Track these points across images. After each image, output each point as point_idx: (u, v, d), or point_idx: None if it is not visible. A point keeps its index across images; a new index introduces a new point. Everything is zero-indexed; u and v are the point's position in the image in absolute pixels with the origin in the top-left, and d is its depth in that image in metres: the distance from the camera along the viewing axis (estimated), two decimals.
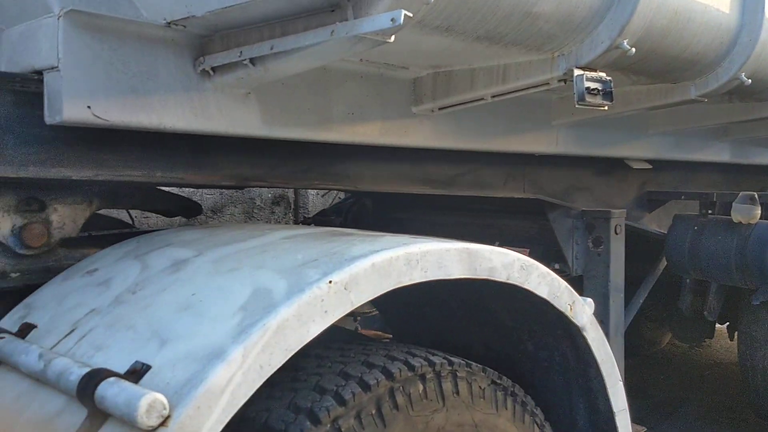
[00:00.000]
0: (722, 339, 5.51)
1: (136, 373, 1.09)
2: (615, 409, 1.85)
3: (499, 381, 1.60)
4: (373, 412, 1.26)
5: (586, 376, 1.91)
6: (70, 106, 1.55)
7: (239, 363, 1.02)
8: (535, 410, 1.72)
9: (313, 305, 1.12)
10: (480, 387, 1.54)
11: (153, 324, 1.20)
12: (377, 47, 1.46)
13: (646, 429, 3.07)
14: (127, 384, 1.03)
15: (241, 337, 1.04)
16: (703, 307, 4.01)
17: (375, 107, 2.23)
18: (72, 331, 1.34)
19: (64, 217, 1.82)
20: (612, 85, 1.93)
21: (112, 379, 1.06)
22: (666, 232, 3.59)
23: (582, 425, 1.94)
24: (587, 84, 1.89)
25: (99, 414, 1.05)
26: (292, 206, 6.80)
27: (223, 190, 4.84)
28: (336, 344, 1.49)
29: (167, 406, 0.98)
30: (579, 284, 3.27)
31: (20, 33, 1.65)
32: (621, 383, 1.88)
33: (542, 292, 1.66)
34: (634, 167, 3.46)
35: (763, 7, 2.28)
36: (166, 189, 2.34)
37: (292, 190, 5.43)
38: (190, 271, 1.35)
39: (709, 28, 2.14)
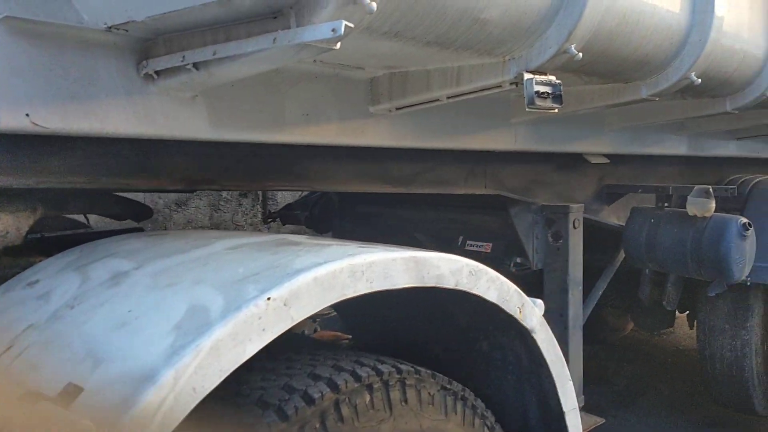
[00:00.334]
0: (685, 326, 5.63)
1: (69, 395, 1.07)
2: (565, 408, 1.88)
3: (449, 386, 1.61)
4: (317, 426, 1.26)
5: (539, 375, 1.93)
6: (8, 114, 1.51)
7: (171, 386, 1.00)
8: (485, 413, 1.73)
9: (250, 323, 1.11)
10: (429, 393, 1.55)
11: (88, 342, 1.18)
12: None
13: (604, 420, 3.12)
14: (57, 410, 1.01)
15: (173, 359, 1.02)
16: (662, 297, 4.09)
17: (331, 107, 2.21)
18: (9, 348, 1.31)
19: (7, 226, 1.77)
20: (561, 88, 1.94)
21: (43, 403, 1.04)
22: (624, 225, 3.64)
23: (534, 424, 1.96)
24: (537, 88, 1.90)
25: None
26: (260, 198, 6.74)
27: None
28: (284, 354, 1.48)
29: None
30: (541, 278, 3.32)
31: None
32: (571, 383, 1.91)
33: (491, 296, 1.67)
34: (593, 162, 3.50)
35: (713, 8, 2.30)
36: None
37: None
38: (128, 285, 1.32)
39: (659, 29, 2.16)
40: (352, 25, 1.31)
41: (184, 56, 1.59)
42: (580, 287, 3.21)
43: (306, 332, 2.17)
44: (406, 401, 1.46)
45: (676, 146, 3.88)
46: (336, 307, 2.46)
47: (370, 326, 2.32)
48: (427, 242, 4.03)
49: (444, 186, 2.97)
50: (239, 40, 1.48)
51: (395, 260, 1.40)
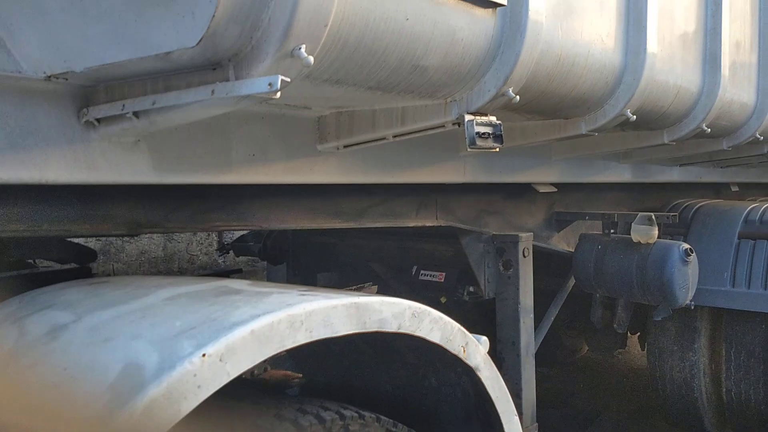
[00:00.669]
0: (638, 346, 5.76)
1: None
2: None
3: (394, 429, 1.63)
4: None
5: (485, 410, 1.97)
6: None
7: None
8: None
9: (185, 381, 1.11)
10: None
11: (24, 405, 1.16)
12: None
13: None
14: None
15: (106, 423, 1.02)
16: (613, 320, 4.20)
17: (278, 147, 2.22)
18: None
19: None
20: (502, 129, 2.00)
21: None
22: (574, 251, 3.73)
23: None
24: (477, 129, 1.95)
25: None
26: None
27: None
28: (227, 404, 1.48)
29: None
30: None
31: None
32: (516, 418, 1.94)
33: (435, 337, 1.70)
34: (541, 191, 3.58)
35: (645, 47, 2.40)
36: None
37: None
38: (65, 340, 1.31)
39: (593, 70, 2.25)
40: (288, 80, 1.34)
41: (123, 105, 1.59)
42: (532, 315, 3.27)
43: (255, 372, 2.16)
44: None
45: (622, 174, 4.00)
46: None
47: (321, 364, 2.33)
48: (382, 272, 4.06)
49: (395, 219, 3.00)
50: (179, 90, 1.50)
51: (336, 308, 1.41)
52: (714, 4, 3.02)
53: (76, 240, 2.55)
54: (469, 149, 1.96)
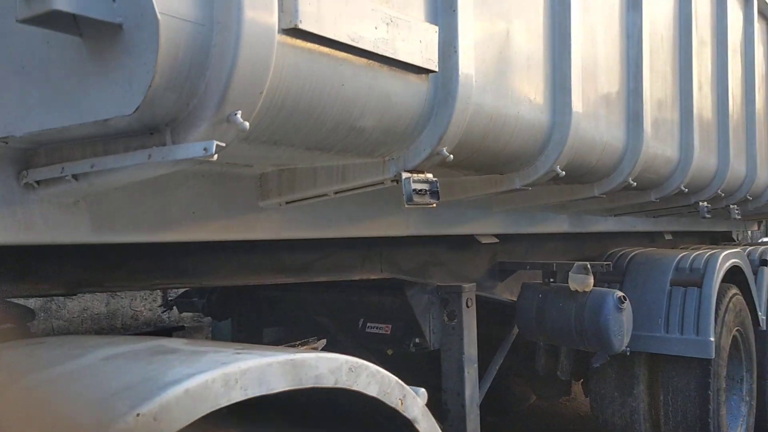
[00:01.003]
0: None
1: None
2: None
3: None
4: None
5: None
6: None
7: None
8: None
9: None
10: None
11: None
12: None
13: None
14: None
15: None
16: (556, 368, 4.29)
17: (219, 204, 2.25)
18: None
19: None
20: (438, 185, 2.09)
21: None
22: (516, 300, 3.83)
23: None
24: (414, 186, 2.04)
25: None
26: None
27: None
28: None
29: None
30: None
31: None
32: None
33: (372, 391, 1.73)
34: (483, 242, 3.69)
35: (570, 108, 2.56)
36: None
37: None
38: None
39: (523, 129, 2.38)
40: (224, 144, 1.39)
41: (63, 168, 1.62)
42: (476, 365, 3.33)
43: None
44: None
45: (560, 224, 4.16)
46: None
47: (261, 420, 2.31)
48: (329, 326, 4.07)
49: (340, 272, 3.04)
50: (117, 154, 1.53)
51: (271, 365, 1.44)
52: (635, 66, 3.24)
53: (14, 300, 2.50)
54: (406, 205, 2.04)
